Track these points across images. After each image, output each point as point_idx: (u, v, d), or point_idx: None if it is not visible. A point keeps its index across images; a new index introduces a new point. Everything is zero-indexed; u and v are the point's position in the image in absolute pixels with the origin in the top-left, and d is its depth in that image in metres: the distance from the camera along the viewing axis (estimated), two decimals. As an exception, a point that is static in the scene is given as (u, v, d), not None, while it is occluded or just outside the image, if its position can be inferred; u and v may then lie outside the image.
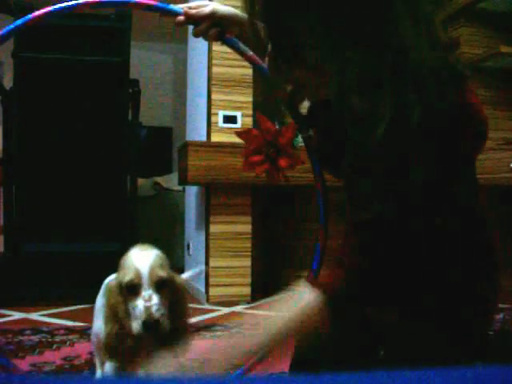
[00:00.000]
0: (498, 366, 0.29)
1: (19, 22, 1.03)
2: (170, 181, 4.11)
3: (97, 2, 1.06)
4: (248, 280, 2.82)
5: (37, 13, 1.03)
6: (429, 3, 0.71)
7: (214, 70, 2.83)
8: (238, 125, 2.85)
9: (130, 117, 3.07)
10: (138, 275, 0.99)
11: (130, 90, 3.06)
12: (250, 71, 2.87)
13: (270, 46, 0.79)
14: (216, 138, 2.82)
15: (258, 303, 2.81)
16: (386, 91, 0.69)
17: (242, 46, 1.10)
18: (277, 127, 1.39)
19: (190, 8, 1.04)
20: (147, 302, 0.98)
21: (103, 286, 1.21)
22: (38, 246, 2.79)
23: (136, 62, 3.55)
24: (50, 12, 1.04)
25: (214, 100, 2.84)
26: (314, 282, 0.78)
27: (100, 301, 1.21)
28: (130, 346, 1.01)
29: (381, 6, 0.68)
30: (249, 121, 2.88)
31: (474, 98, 0.74)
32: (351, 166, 0.79)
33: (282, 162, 1.27)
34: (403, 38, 0.68)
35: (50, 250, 2.79)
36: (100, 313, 1.21)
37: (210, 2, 1.06)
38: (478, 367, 0.29)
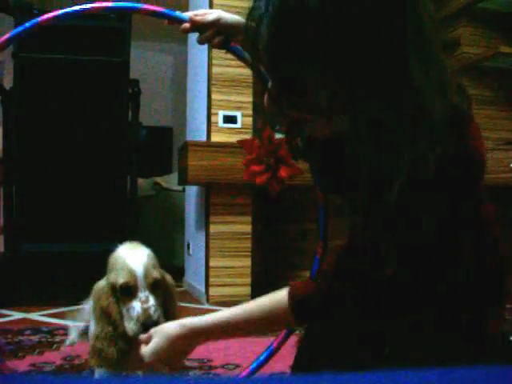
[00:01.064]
0: (498, 366, 0.29)
1: (28, 24, 1.03)
2: (170, 181, 4.11)
3: (104, 7, 1.07)
4: (248, 280, 2.82)
5: (45, 16, 1.03)
6: (438, 44, 0.69)
7: (214, 70, 2.83)
8: (238, 125, 2.85)
9: (129, 117, 3.07)
10: (134, 277, 0.98)
11: (130, 90, 3.06)
12: (249, 71, 2.86)
13: (270, 84, 0.75)
14: (216, 138, 2.82)
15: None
16: (403, 144, 0.66)
17: (246, 54, 1.09)
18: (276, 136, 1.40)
19: (196, 15, 1.05)
20: (144, 303, 0.97)
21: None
22: (38, 246, 2.79)
23: (136, 62, 3.55)
24: (57, 16, 1.04)
25: (213, 100, 2.84)
26: (293, 284, 0.86)
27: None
28: (121, 349, 1.00)
29: (394, 54, 0.65)
30: (249, 121, 2.88)
31: (477, 139, 0.72)
32: (366, 218, 0.75)
33: (283, 173, 1.27)
34: (416, 87, 0.66)
35: (50, 249, 2.79)
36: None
37: (216, 10, 1.07)
38: (478, 367, 0.29)
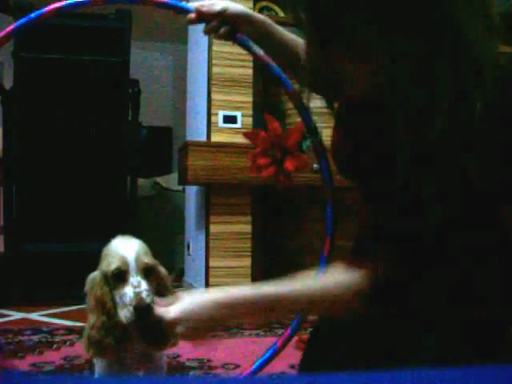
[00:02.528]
0: (498, 366, 0.29)
1: (32, 15, 1.03)
2: (170, 181, 4.11)
3: None
4: (248, 280, 2.82)
5: (50, 7, 1.03)
6: None
7: (214, 69, 2.83)
8: (238, 125, 2.85)
9: (129, 117, 3.07)
10: (125, 262, 0.98)
11: (130, 90, 3.06)
12: (250, 71, 2.86)
13: (309, 31, 0.74)
14: (216, 137, 2.82)
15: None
16: (445, 79, 0.66)
17: (253, 45, 1.09)
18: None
19: (203, 6, 1.04)
20: (136, 288, 0.96)
21: None
22: (38, 245, 2.79)
23: (136, 62, 3.55)
24: (63, 7, 1.04)
25: (214, 100, 2.84)
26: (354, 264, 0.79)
27: None
28: (117, 338, 0.99)
29: None
30: (249, 121, 2.88)
31: None
32: (406, 167, 0.73)
33: (289, 165, 1.25)
34: (458, 21, 0.65)
35: (50, 249, 2.79)
36: None
37: (222, 1, 1.05)
38: (478, 367, 0.29)
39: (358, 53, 0.70)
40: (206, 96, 2.92)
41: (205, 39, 2.90)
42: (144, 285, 0.97)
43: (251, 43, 1.09)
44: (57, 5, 1.03)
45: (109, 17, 2.92)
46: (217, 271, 2.78)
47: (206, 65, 2.91)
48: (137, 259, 0.98)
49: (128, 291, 0.96)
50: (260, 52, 1.10)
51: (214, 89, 2.84)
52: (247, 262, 2.82)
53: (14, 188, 2.86)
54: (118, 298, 0.99)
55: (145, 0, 1.10)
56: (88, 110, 2.91)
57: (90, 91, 2.91)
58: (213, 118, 2.84)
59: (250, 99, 2.89)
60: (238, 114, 2.86)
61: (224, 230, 2.80)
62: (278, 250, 3.24)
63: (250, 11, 1.06)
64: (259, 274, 3.04)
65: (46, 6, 1.04)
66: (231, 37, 1.06)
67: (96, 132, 2.92)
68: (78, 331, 2.09)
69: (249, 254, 2.83)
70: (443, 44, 0.66)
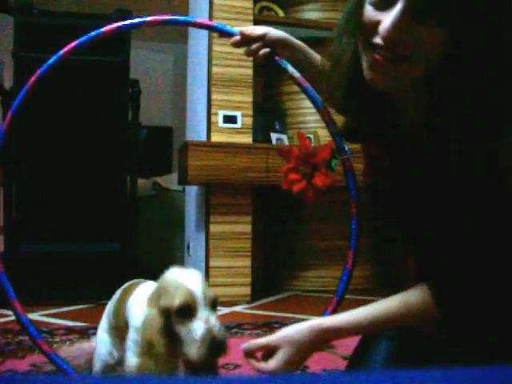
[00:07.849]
0: (498, 366, 0.29)
1: (51, 60, 1.14)
2: (170, 181, 4.11)
3: (160, 20, 1.16)
4: (248, 280, 2.82)
5: (67, 47, 1.13)
6: None
7: (214, 69, 2.83)
8: (238, 125, 2.85)
9: (130, 117, 3.07)
10: (192, 297, 0.93)
11: (130, 90, 3.06)
12: (249, 71, 2.86)
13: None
14: (216, 137, 2.82)
15: (257, 303, 2.81)
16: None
17: (290, 67, 1.15)
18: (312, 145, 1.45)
19: (246, 30, 1.13)
20: (207, 323, 0.91)
21: (117, 292, 1.19)
22: (38, 246, 2.79)
23: (136, 62, 3.55)
24: (78, 44, 1.14)
25: (213, 100, 2.84)
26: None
27: (109, 307, 1.18)
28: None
29: None
30: (249, 121, 2.88)
31: None
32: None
33: (318, 181, 1.30)
34: None
35: (50, 250, 2.79)
36: (103, 325, 1.19)
37: (263, 26, 1.15)
38: (477, 367, 0.29)
39: (438, 14, 0.72)
40: (205, 96, 2.92)
41: (205, 39, 2.90)
42: (213, 319, 0.92)
43: (289, 66, 1.15)
44: (72, 44, 1.14)
45: (109, 17, 2.92)
46: (217, 271, 2.78)
47: (206, 65, 2.91)
48: (204, 292, 0.94)
49: (198, 327, 0.91)
50: (297, 74, 1.15)
51: (213, 89, 2.84)
52: (247, 262, 2.82)
53: (14, 188, 2.86)
54: (184, 334, 0.93)
55: (193, 23, 1.21)
56: (88, 110, 2.91)
57: (89, 91, 2.91)
58: (213, 118, 2.84)
59: (250, 99, 2.89)
60: (238, 114, 2.86)
61: (224, 230, 2.80)
62: (278, 250, 3.24)
63: (291, 37, 1.15)
64: (259, 273, 3.04)
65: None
66: (269, 59, 1.14)
67: (96, 132, 2.92)
68: (78, 331, 2.09)
69: (249, 253, 2.83)
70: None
